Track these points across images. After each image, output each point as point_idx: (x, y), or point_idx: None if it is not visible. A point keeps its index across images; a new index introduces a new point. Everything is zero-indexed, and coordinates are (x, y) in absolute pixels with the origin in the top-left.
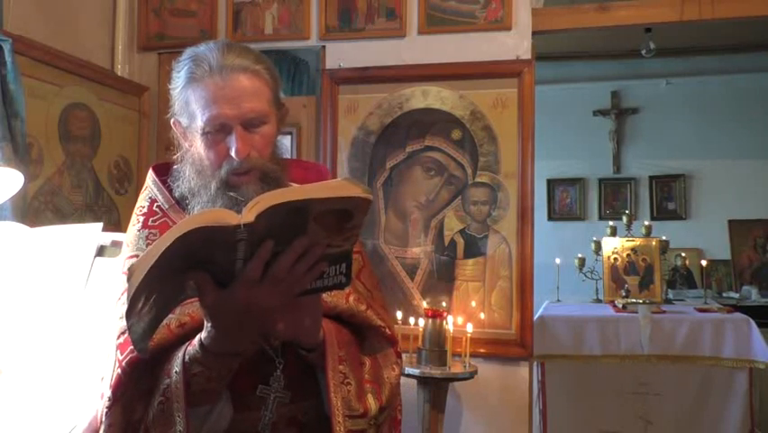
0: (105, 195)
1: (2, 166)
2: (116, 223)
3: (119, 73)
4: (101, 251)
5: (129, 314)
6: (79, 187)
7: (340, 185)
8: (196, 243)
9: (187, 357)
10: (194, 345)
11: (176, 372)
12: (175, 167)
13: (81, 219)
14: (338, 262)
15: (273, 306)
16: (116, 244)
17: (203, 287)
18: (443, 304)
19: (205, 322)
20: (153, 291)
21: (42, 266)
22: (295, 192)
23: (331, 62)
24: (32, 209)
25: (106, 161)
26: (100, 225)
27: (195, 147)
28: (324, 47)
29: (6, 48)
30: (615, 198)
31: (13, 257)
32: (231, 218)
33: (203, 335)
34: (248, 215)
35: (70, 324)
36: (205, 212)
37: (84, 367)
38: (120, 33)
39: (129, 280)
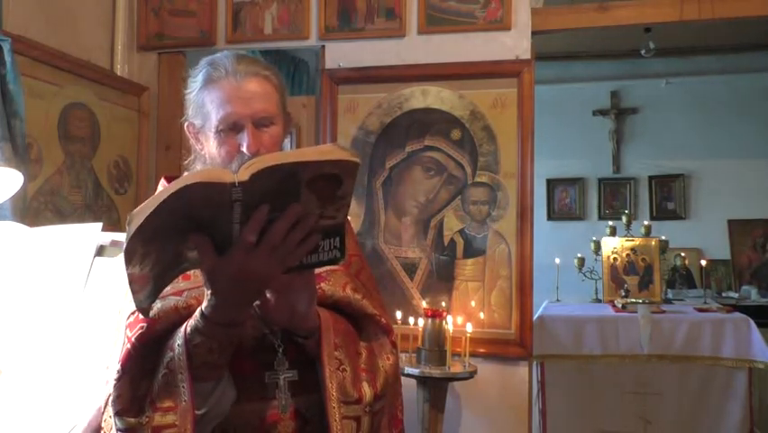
0: (105, 195)
1: (2, 166)
2: (116, 223)
3: (118, 73)
4: (101, 250)
5: (127, 263)
6: (79, 187)
7: (330, 149)
8: (194, 201)
9: (188, 329)
10: (195, 316)
11: (178, 344)
12: (186, 171)
13: (81, 219)
14: (331, 235)
15: (269, 275)
16: (116, 244)
17: (203, 250)
18: (443, 304)
19: (206, 290)
20: (153, 248)
21: (42, 266)
22: (288, 155)
23: (330, 62)
24: (32, 209)
25: (106, 161)
26: (100, 224)
27: (207, 147)
28: (323, 47)
29: (6, 47)
30: (614, 198)
31: (13, 257)
32: (226, 176)
33: (203, 304)
34: (243, 173)
35: (70, 324)
36: (202, 170)
37: (83, 367)
38: (119, 33)
39: (128, 226)
